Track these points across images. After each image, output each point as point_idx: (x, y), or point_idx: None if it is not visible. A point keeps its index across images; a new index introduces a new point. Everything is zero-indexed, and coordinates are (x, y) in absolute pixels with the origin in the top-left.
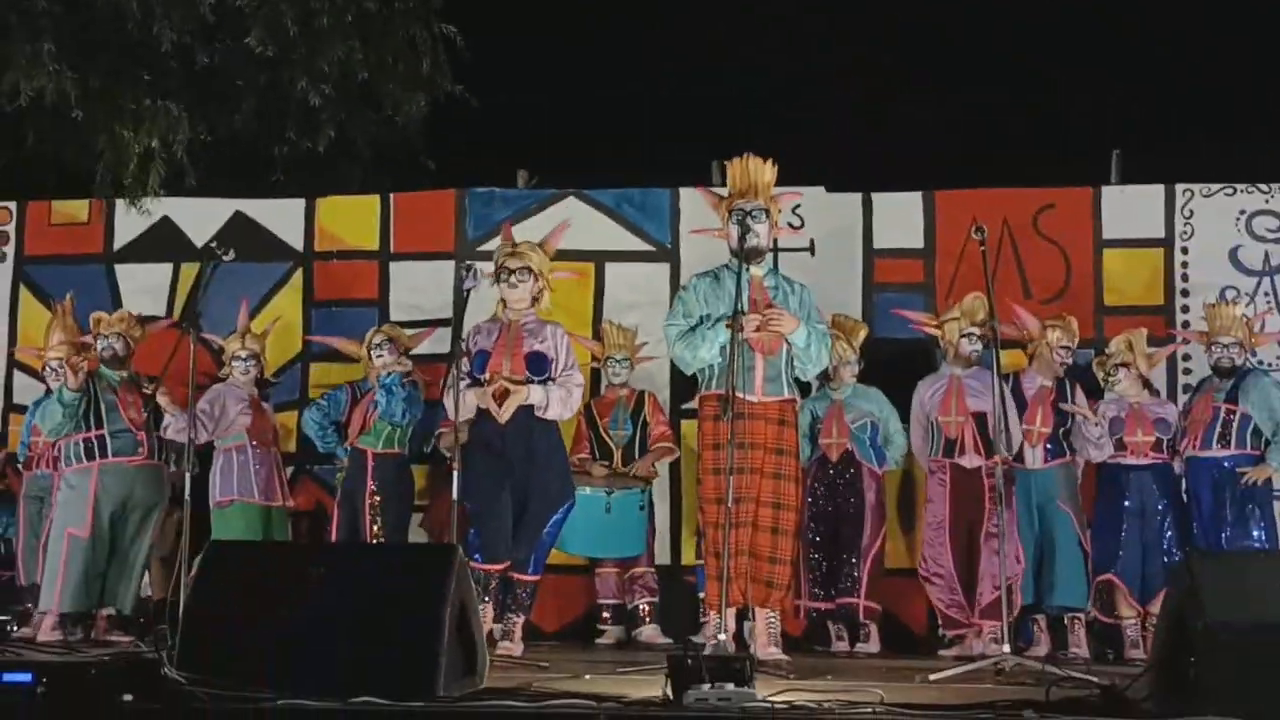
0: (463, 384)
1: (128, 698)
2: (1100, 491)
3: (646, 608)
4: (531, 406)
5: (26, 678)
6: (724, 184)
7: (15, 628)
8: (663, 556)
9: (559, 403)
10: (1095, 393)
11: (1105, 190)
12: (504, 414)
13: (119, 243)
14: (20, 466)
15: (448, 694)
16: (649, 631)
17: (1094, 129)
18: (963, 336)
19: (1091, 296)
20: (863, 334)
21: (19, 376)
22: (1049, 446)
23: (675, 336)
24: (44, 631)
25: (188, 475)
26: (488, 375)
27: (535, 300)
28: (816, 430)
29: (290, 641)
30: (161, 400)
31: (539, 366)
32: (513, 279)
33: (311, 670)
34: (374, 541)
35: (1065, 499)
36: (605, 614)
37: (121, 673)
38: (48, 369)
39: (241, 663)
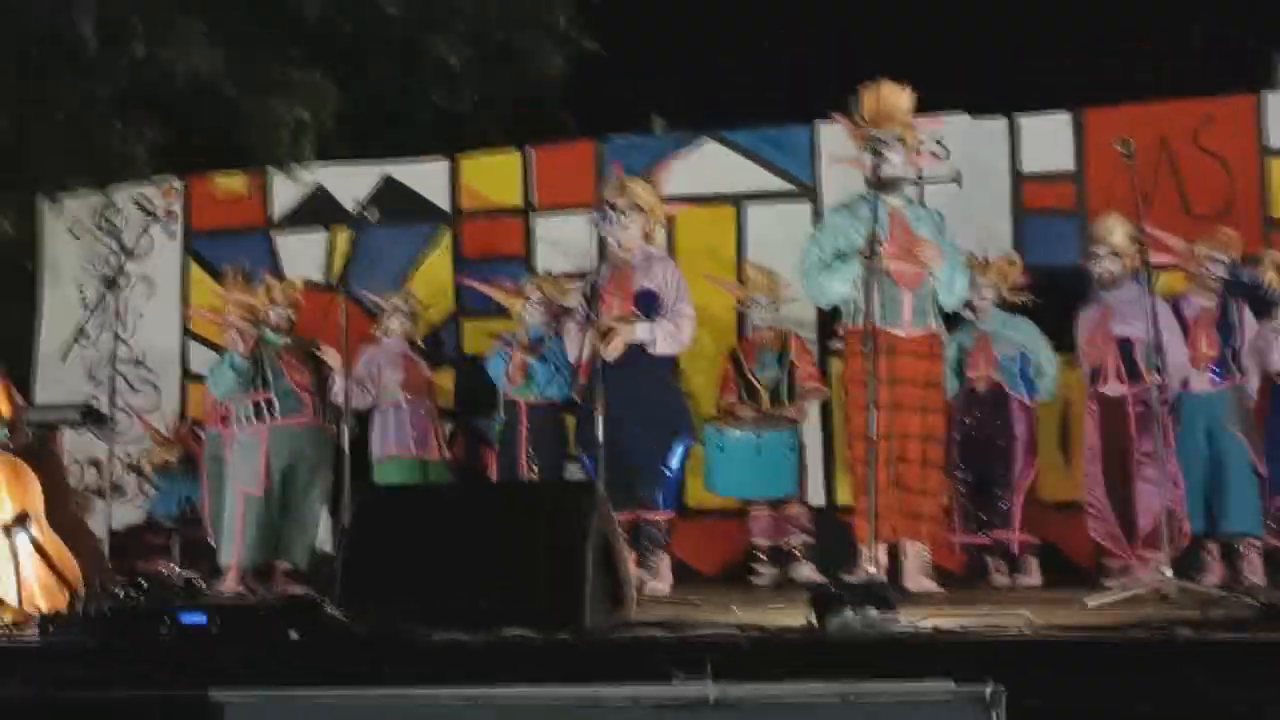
0: (575, 327)
1: (293, 634)
2: (1274, 411)
3: (801, 547)
4: (642, 344)
5: (201, 619)
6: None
7: (205, 584)
8: (816, 497)
9: (668, 337)
10: (1264, 311)
11: (1268, 95)
12: (611, 353)
13: (277, 212)
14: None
15: (594, 626)
16: (805, 570)
17: (1251, 29)
18: (1089, 259)
19: (1257, 209)
20: (1017, 275)
21: (195, 348)
22: (1215, 369)
23: (808, 271)
24: (228, 585)
25: (345, 432)
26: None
27: (648, 237)
28: (964, 363)
29: (442, 578)
30: (328, 357)
31: (650, 304)
32: (622, 220)
33: (463, 605)
34: None
35: (1235, 422)
36: (761, 554)
37: (287, 613)
38: (227, 325)
39: (398, 600)
